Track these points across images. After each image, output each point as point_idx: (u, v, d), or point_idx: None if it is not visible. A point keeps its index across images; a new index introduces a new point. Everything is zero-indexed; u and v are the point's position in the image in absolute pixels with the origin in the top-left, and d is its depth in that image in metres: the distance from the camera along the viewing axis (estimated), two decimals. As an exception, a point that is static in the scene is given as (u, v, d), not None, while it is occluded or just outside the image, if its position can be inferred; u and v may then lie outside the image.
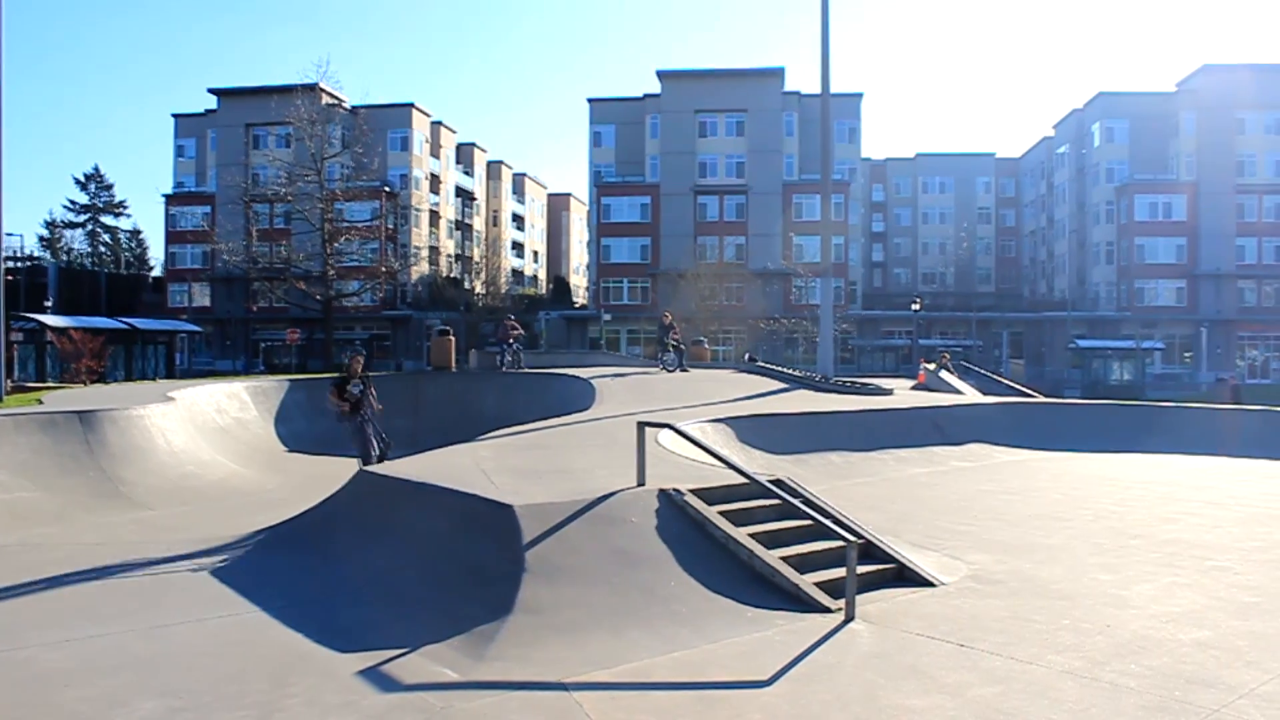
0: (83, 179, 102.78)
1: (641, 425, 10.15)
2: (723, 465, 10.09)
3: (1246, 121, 77.89)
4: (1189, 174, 77.99)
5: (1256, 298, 78.23)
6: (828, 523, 8.87)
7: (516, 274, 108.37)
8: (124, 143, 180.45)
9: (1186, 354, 77.65)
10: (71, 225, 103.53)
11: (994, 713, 5.94)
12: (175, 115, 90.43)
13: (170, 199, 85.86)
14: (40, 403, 18.68)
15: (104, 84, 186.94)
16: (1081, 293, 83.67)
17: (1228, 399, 44.14)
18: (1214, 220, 76.87)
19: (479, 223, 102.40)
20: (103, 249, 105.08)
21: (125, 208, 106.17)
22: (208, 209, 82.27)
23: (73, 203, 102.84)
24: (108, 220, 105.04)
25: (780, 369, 31.63)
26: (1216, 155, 77.20)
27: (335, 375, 14.97)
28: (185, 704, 6.02)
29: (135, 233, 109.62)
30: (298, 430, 23.53)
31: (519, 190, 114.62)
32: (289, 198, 62.24)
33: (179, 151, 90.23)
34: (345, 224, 63.85)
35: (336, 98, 74.99)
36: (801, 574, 8.62)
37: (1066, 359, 74.77)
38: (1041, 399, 30.09)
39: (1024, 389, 35.11)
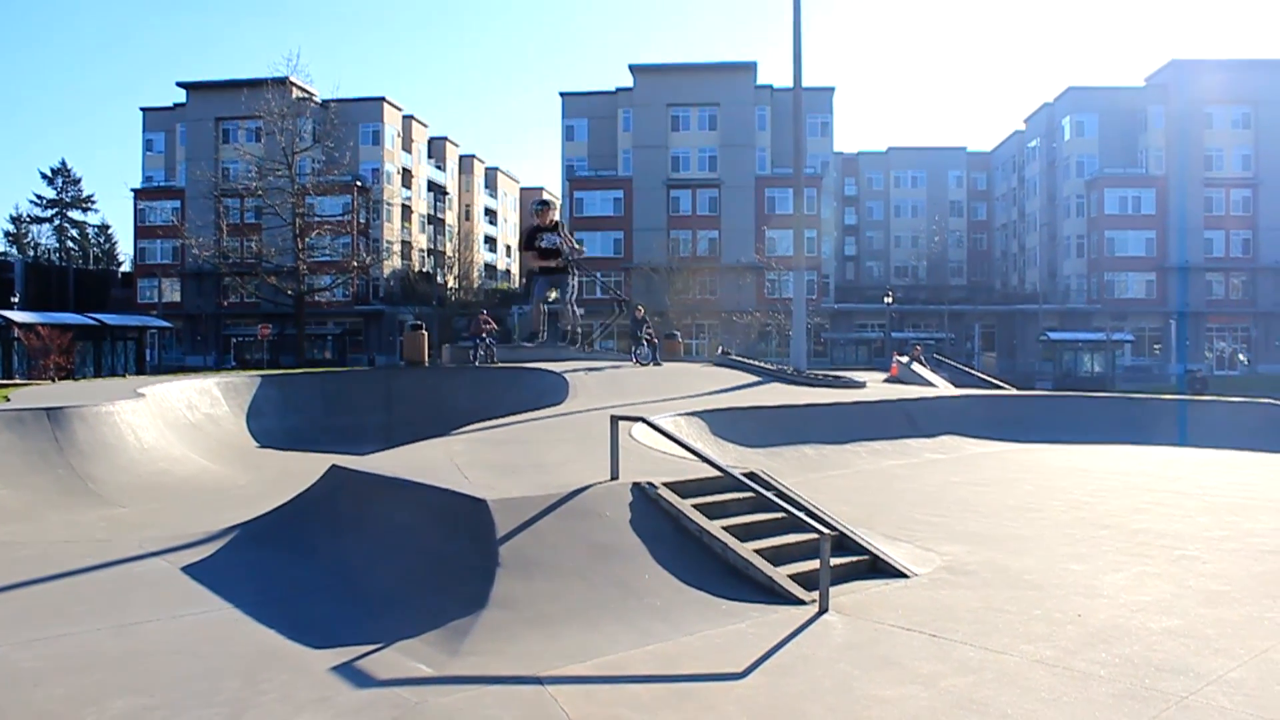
0: (49, 173, 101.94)
1: (615, 419, 10.14)
2: (696, 459, 10.10)
3: (1214, 116, 78.64)
4: (1158, 168, 78.69)
5: (1224, 290, 79.05)
6: (801, 515, 8.90)
7: (489, 268, 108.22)
8: (91, 137, 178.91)
9: (1156, 346, 78.37)
10: (38, 220, 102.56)
11: (967, 702, 5.97)
12: (143, 109, 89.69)
13: (139, 194, 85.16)
14: (7, 400, 18.44)
15: (71, 78, 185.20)
16: (1052, 285, 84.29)
17: (1189, 390, 44.68)
18: (1183, 214, 77.56)
19: (451, 217, 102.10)
20: (70, 244, 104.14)
21: (93, 202, 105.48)
22: (177, 204, 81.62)
23: (39, 198, 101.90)
24: (75, 215, 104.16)
25: (753, 362, 31.66)
26: (1185, 149, 77.91)
27: (530, 228, 13.22)
28: (157, 702, 5.97)
29: (104, 228, 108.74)
30: (270, 426, 23.38)
31: (491, 184, 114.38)
32: (259, 192, 61.84)
33: (148, 146, 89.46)
34: (316, 218, 63.60)
35: (307, 91, 74.54)
36: (775, 566, 8.64)
37: (1038, 351, 75.34)
38: (1013, 391, 30.29)
39: (996, 381, 35.37)
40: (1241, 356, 77.03)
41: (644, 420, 11.00)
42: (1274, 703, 5.95)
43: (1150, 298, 78.25)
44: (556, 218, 13.01)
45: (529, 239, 13.03)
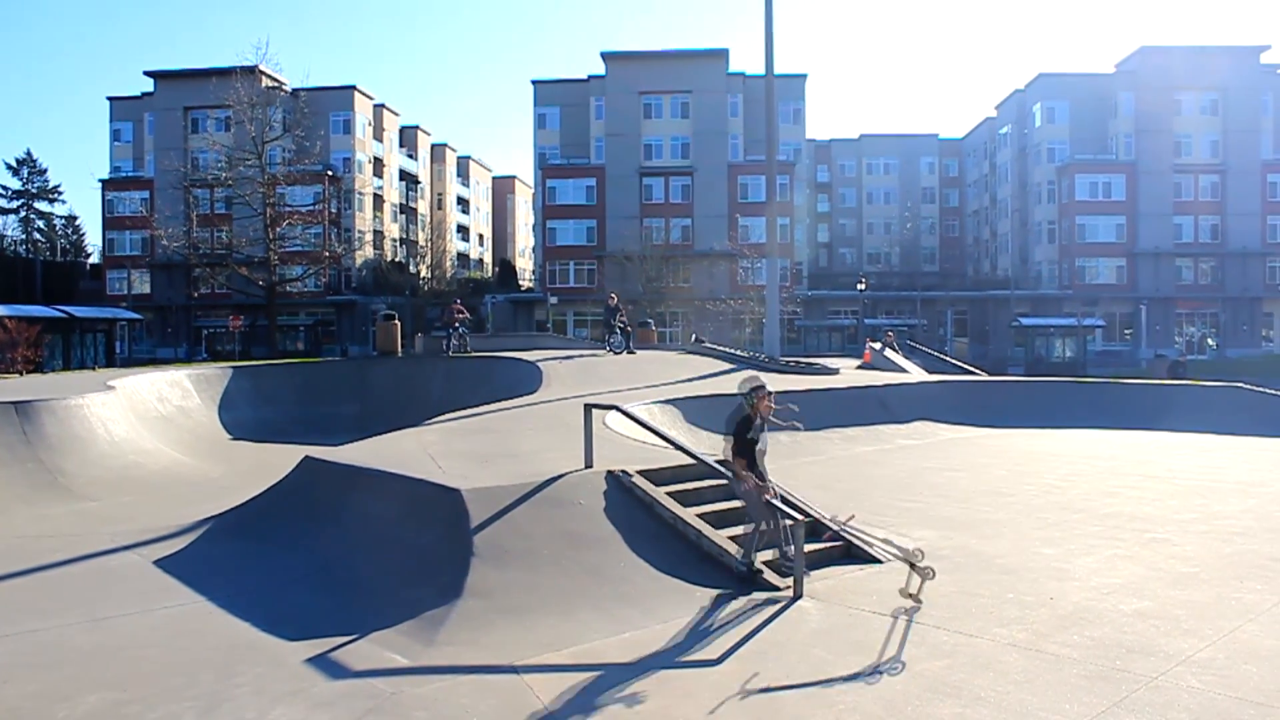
0: (14, 164, 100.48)
1: (588, 407, 10.15)
2: (670, 446, 10.12)
3: (1183, 102, 79.14)
4: (1128, 154, 79.13)
5: (1193, 275, 79.68)
6: (776, 502, 8.92)
7: (462, 257, 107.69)
8: (57, 127, 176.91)
9: (1127, 331, 78.92)
10: (3, 212, 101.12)
11: (941, 685, 6.02)
12: (110, 98, 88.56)
13: (107, 184, 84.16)
14: (-25, 393, 18.28)
15: (36, 67, 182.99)
16: (1024, 271, 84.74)
17: (1164, 375, 45.05)
18: (1152, 200, 78.11)
19: (423, 206, 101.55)
20: (37, 236, 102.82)
21: (60, 193, 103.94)
22: (146, 194, 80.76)
23: (4, 188, 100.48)
24: (42, 206, 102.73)
25: (727, 350, 31.74)
26: (1154, 136, 78.38)
27: (738, 419, 8.66)
28: (130, 696, 5.94)
29: (71, 219, 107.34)
30: (242, 418, 23.28)
31: (464, 173, 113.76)
32: (229, 182, 61.18)
33: (115, 135, 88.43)
34: (287, 208, 62.97)
35: (276, 80, 73.91)
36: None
37: (1010, 337, 75.73)
38: (985, 377, 30.47)
39: (968, 367, 35.57)
40: (1211, 341, 77.72)
41: (618, 408, 11.02)
42: (1242, 682, 6.02)
43: (1120, 283, 78.74)
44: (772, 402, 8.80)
45: (738, 435, 8.54)
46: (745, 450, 8.50)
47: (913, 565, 7.27)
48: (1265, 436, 19.62)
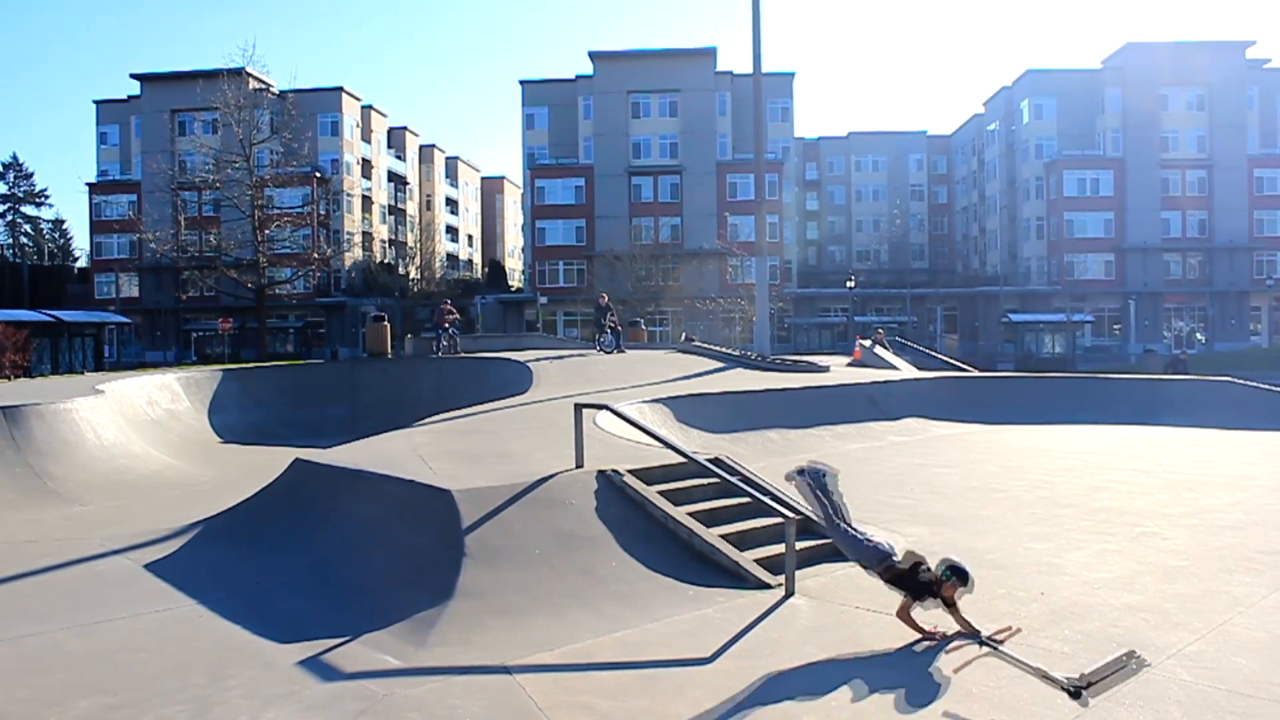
0: (1, 168, 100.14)
1: (579, 407, 10.14)
2: (661, 445, 10.12)
3: (1169, 98, 79.46)
4: (1115, 150, 79.41)
5: (1181, 270, 80.00)
6: (766, 500, 8.93)
7: (451, 258, 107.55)
8: (44, 131, 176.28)
9: (1115, 326, 79.17)
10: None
11: (934, 681, 6.03)
12: (97, 101, 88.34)
13: (94, 187, 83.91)
14: (-37, 398, 18.19)
15: (22, 71, 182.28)
16: (1013, 267, 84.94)
17: (1161, 372, 45.22)
18: (1140, 195, 78.44)
19: (412, 207, 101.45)
20: (24, 240, 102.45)
21: (46, 197, 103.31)
22: (134, 197, 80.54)
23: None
24: (29, 210, 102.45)
25: (717, 348, 31.73)
26: (1141, 131, 78.71)
27: (896, 567, 7.22)
28: (121, 700, 5.93)
29: (58, 223, 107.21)
30: (232, 421, 23.22)
31: (452, 174, 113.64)
32: (217, 185, 61.09)
33: (101, 139, 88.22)
34: (276, 210, 62.94)
35: (264, 82, 73.72)
36: (741, 551, 8.68)
37: (999, 333, 75.96)
38: (975, 373, 30.49)
39: (958, 363, 35.56)
40: (1199, 335, 78.01)
41: (608, 408, 11.01)
42: (1233, 674, 6.05)
43: (1109, 278, 79.04)
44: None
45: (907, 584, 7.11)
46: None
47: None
48: (1255, 430, 19.67)
